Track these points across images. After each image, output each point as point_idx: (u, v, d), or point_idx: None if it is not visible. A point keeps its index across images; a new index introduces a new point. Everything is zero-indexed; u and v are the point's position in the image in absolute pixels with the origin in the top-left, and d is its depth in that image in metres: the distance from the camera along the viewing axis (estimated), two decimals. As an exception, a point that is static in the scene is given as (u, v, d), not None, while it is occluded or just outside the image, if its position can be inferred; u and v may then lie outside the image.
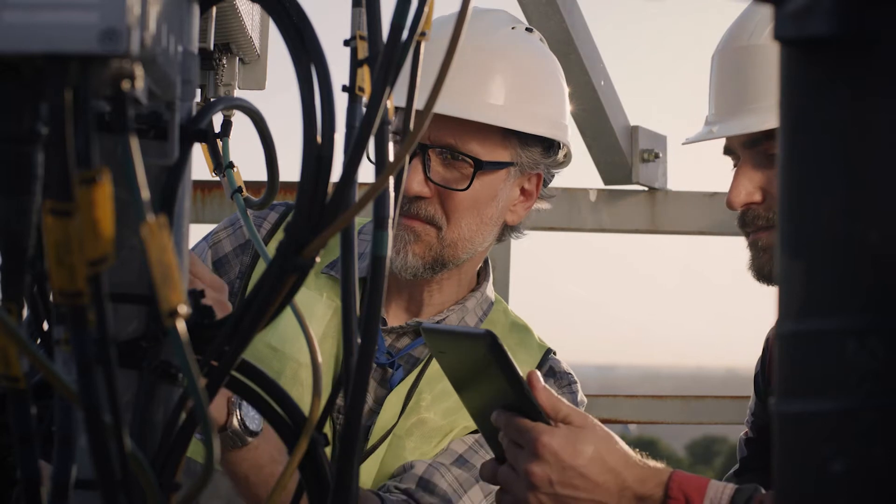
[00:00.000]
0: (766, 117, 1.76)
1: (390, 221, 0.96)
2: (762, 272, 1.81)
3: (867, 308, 0.66)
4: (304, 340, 1.93)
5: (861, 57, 0.66)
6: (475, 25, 1.98)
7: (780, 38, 0.70)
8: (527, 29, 2.06)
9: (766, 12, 1.77)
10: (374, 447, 1.90)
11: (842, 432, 0.66)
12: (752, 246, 1.81)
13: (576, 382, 2.09)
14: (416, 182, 1.91)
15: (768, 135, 1.76)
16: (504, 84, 1.95)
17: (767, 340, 1.98)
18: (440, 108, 1.87)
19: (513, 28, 2.02)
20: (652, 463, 1.60)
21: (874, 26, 0.66)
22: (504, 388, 1.58)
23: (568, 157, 2.06)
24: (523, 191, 2.02)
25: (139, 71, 0.77)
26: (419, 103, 0.93)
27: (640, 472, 1.57)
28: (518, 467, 1.56)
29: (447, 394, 1.93)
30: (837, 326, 0.66)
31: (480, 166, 1.93)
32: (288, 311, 2.05)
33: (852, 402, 0.66)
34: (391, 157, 0.97)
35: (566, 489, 1.54)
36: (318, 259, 0.90)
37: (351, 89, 0.99)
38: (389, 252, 0.96)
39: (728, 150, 1.86)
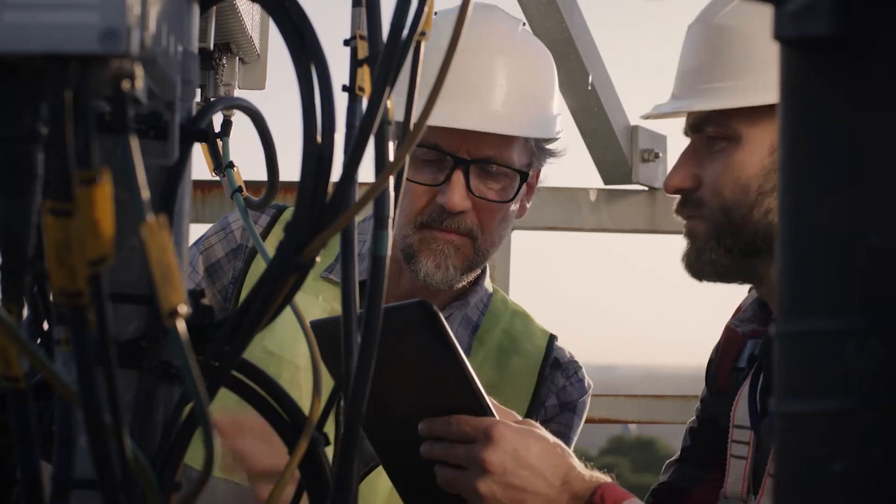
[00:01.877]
0: (716, 100, 1.70)
1: (390, 221, 0.96)
2: (688, 262, 1.73)
3: (867, 308, 0.66)
4: (301, 344, 1.93)
5: (861, 57, 0.67)
6: (484, 25, 1.98)
7: (780, 38, 0.70)
8: (523, 24, 2.06)
9: None
10: None
11: (842, 432, 0.66)
12: (685, 233, 1.74)
13: (581, 368, 2.09)
14: (458, 197, 1.90)
15: (709, 119, 1.70)
16: (525, 90, 1.96)
17: (726, 331, 1.92)
18: (476, 125, 1.88)
19: (524, 24, 2.03)
20: (596, 473, 1.62)
21: (874, 26, 0.66)
22: (440, 374, 1.50)
23: (564, 147, 2.07)
24: (528, 185, 2.03)
25: (139, 71, 0.77)
26: (419, 106, 0.93)
27: (579, 474, 1.59)
28: (469, 458, 1.55)
29: None
30: (837, 326, 0.66)
31: (525, 178, 1.95)
32: (285, 316, 2.04)
33: (852, 402, 0.66)
34: (391, 157, 0.97)
35: (517, 479, 1.54)
36: (318, 259, 0.90)
37: (351, 89, 0.99)
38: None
39: (685, 135, 1.80)
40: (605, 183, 3.78)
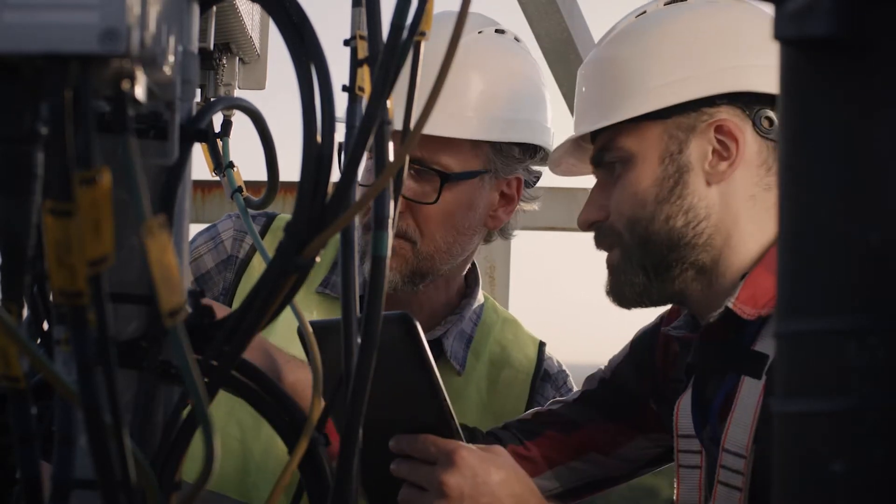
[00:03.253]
0: (598, 120, 1.73)
1: (390, 221, 0.96)
2: (613, 294, 1.74)
3: (867, 308, 0.66)
4: (297, 349, 1.93)
5: (861, 57, 0.67)
6: (440, 32, 1.96)
7: (780, 38, 0.70)
8: (497, 31, 2.01)
9: (623, 25, 1.77)
10: None
11: (842, 432, 0.66)
12: (607, 268, 1.76)
13: (569, 377, 2.09)
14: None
15: (604, 148, 1.73)
16: (473, 93, 1.92)
17: (646, 333, 1.93)
18: (397, 124, 1.87)
19: (480, 32, 1.98)
20: None
21: (874, 26, 0.66)
22: (413, 389, 1.48)
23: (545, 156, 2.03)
24: (503, 195, 2.00)
25: (139, 71, 0.77)
26: (419, 106, 0.93)
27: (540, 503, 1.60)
28: (429, 480, 1.55)
29: (463, 417, 1.94)
30: (837, 326, 0.66)
31: (447, 178, 1.91)
32: (281, 324, 2.03)
33: (852, 402, 0.66)
34: (391, 157, 0.97)
35: None
36: (317, 259, 0.90)
37: (351, 89, 0.99)
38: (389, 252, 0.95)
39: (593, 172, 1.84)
40: (606, 183, 3.77)
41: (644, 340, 1.91)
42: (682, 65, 1.69)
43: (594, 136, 1.77)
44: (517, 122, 1.96)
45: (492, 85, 1.95)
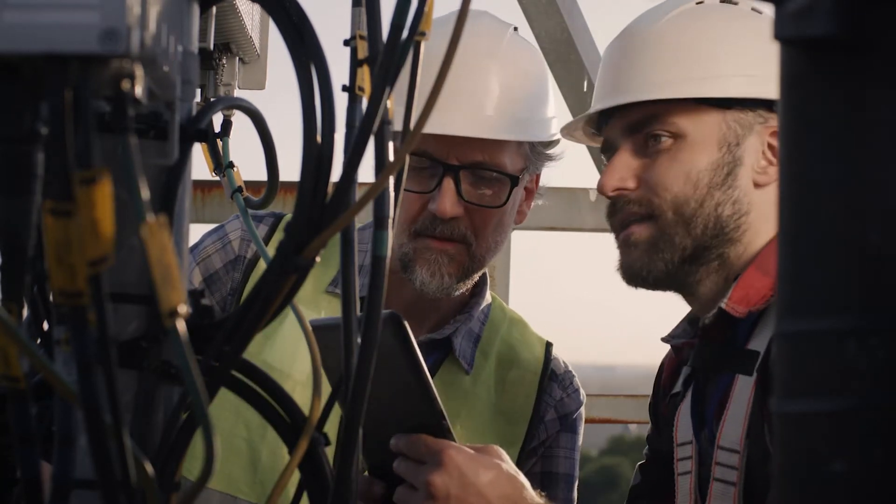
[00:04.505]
0: (660, 90, 1.70)
1: (390, 221, 0.96)
2: (633, 271, 1.73)
3: (867, 308, 0.66)
4: (300, 358, 1.93)
5: (861, 57, 0.67)
6: (472, 31, 1.97)
7: (780, 38, 0.70)
8: (514, 28, 2.05)
9: (683, 9, 1.75)
10: None
11: (842, 432, 0.66)
12: (623, 243, 1.74)
13: (575, 377, 2.09)
14: (449, 204, 1.89)
15: (652, 118, 1.71)
16: (516, 95, 1.95)
17: (662, 365, 1.93)
18: (463, 130, 1.88)
19: (511, 32, 2.02)
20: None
21: (874, 26, 0.66)
22: (406, 388, 1.47)
23: (562, 150, 2.06)
24: (527, 190, 2.03)
25: (139, 71, 0.77)
26: (419, 106, 0.93)
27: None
28: (419, 480, 1.55)
29: (472, 416, 1.94)
30: (837, 326, 0.66)
31: (516, 182, 1.94)
32: (285, 329, 2.02)
33: (852, 402, 0.66)
34: (391, 157, 0.97)
35: None
36: (317, 259, 0.90)
37: (351, 89, 0.99)
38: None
39: (606, 147, 1.80)
40: (606, 183, 3.77)
41: (654, 405, 1.92)
42: (758, 63, 1.69)
43: (622, 107, 1.74)
44: (550, 121, 2.00)
45: (535, 86, 1.98)
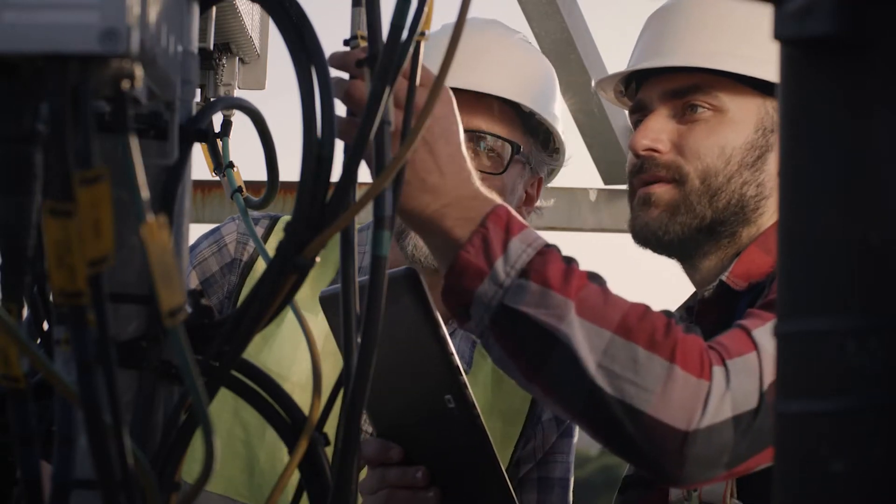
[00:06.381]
0: (707, 60, 1.71)
1: (390, 221, 0.96)
2: (648, 229, 1.71)
3: (867, 308, 0.66)
4: (299, 361, 1.92)
5: (861, 57, 0.66)
6: (483, 36, 1.99)
7: (780, 37, 0.70)
8: (522, 36, 2.09)
9: None
10: None
11: (842, 432, 0.66)
12: (642, 200, 1.72)
13: None
14: None
15: (699, 87, 1.71)
16: (526, 83, 1.96)
17: None
18: (470, 85, 1.89)
19: (517, 37, 2.05)
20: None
21: (874, 26, 0.66)
22: (419, 347, 1.41)
23: (564, 157, 2.06)
24: (527, 194, 2.02)
25: (139, 71, 0.77)
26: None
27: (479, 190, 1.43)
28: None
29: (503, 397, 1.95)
30: (837, 326, 0.66)
31: (517, 150, 1.94)
32: (284, 332, 2.01)
33: (852, 402, 0.66)
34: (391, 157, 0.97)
35: None
36: (317, 259, 0.90)
37: (351, 89, 0.99)
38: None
39: (637, 107, 1.78)
40: (605, 183, 3.77)
41: None
42: None
43: (664, 71, 1.74)
44: (557, 119, 2.01)
45: (542, 85, 2.00)
